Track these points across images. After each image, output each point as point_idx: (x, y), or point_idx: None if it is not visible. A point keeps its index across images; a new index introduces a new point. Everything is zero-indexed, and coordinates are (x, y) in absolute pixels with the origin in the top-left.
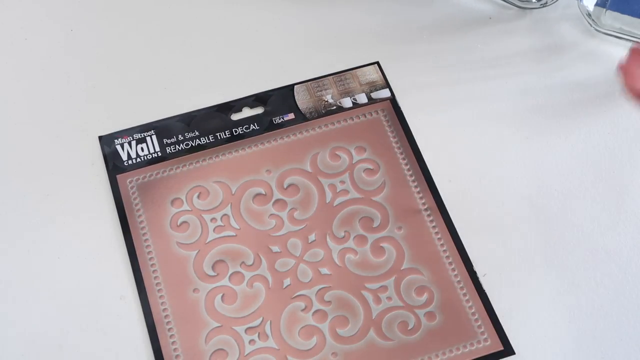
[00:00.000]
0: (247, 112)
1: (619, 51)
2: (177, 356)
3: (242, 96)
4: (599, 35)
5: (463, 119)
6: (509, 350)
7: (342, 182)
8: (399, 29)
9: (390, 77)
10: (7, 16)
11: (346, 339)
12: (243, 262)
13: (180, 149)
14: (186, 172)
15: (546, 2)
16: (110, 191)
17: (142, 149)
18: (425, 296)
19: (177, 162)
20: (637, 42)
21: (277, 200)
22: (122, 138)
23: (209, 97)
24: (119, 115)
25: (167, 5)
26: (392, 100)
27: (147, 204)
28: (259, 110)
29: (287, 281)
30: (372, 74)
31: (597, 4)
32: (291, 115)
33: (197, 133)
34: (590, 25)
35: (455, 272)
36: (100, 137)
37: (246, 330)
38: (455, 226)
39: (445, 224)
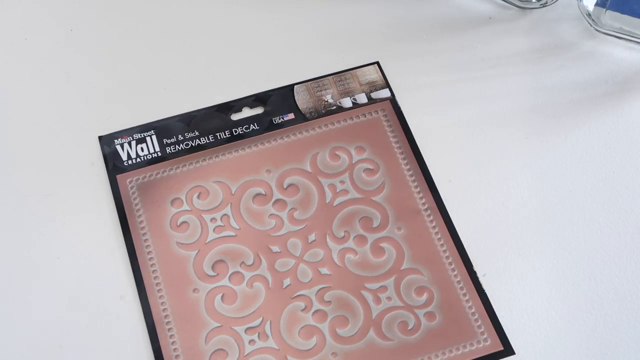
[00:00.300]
0: (247, 112)
1: (619, 51)
2: (177, 356)
3: (242, 96)
4: (598, 35)
5: (463, 119)
6: (509, 350)
7: (342, 182)
8: (399, 29)
9: (390, 77)
10: (7, 16)
11: (346, 339)
12: (243, 262)
13: (180, 149)
14: (186, 172)
15: (546, 2)
16: (110, 191)
17: (142, 149)
18: (425, 296)
19: (177, 162)
20: (637, 42)
21: (277, 200)
22: (122, 138)
23: (209, 97)
24: (119, 115)
25: (167, 6)
26: (392, 100)
27: (147, 204)
28: (259, 110)
29: (287, 281)
30: (372, 74)
31: (597, 4)
32: (291, 115)
33: (197, 133)
34: (590, 25)
35: (455, 272)
36: (100, 137)
37: (246, 330)
38: (455, 226)
39: (445, 224)
